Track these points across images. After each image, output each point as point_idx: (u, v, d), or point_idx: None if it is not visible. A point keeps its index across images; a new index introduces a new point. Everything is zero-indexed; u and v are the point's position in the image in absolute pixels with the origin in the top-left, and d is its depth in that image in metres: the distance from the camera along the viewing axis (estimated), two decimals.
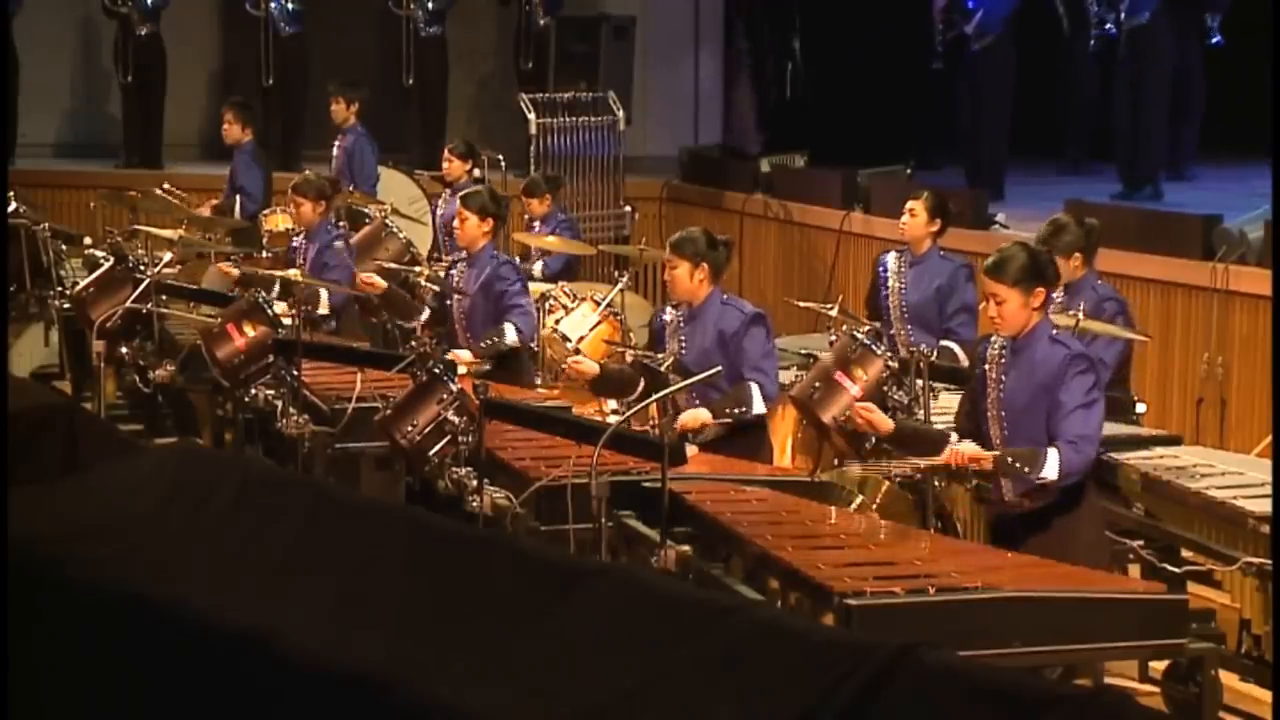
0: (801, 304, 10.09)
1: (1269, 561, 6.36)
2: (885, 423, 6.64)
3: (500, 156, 14.54)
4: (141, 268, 9.55)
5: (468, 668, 4.67)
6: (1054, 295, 7.69)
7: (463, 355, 8.94)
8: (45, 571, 5.58)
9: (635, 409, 6.97)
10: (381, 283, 9.78)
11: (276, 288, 10.08)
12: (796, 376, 8.21)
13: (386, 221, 11.82)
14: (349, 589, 5.19)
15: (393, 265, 11.00)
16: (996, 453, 6.39)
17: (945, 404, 7.75)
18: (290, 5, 16.12)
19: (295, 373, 8.01)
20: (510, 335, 8.98)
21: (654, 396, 7.23)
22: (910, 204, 9.17)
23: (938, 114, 14.97)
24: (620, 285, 10.96)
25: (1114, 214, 9.68)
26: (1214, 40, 13.30)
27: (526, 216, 12.49)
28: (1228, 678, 6.50)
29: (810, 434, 8.11)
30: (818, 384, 7.40)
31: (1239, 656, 6.76)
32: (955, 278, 8.99)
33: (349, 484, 7.83)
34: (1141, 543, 6.96)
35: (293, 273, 9.50)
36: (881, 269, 9.28)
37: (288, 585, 5.30)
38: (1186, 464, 7.11)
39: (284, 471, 7.63)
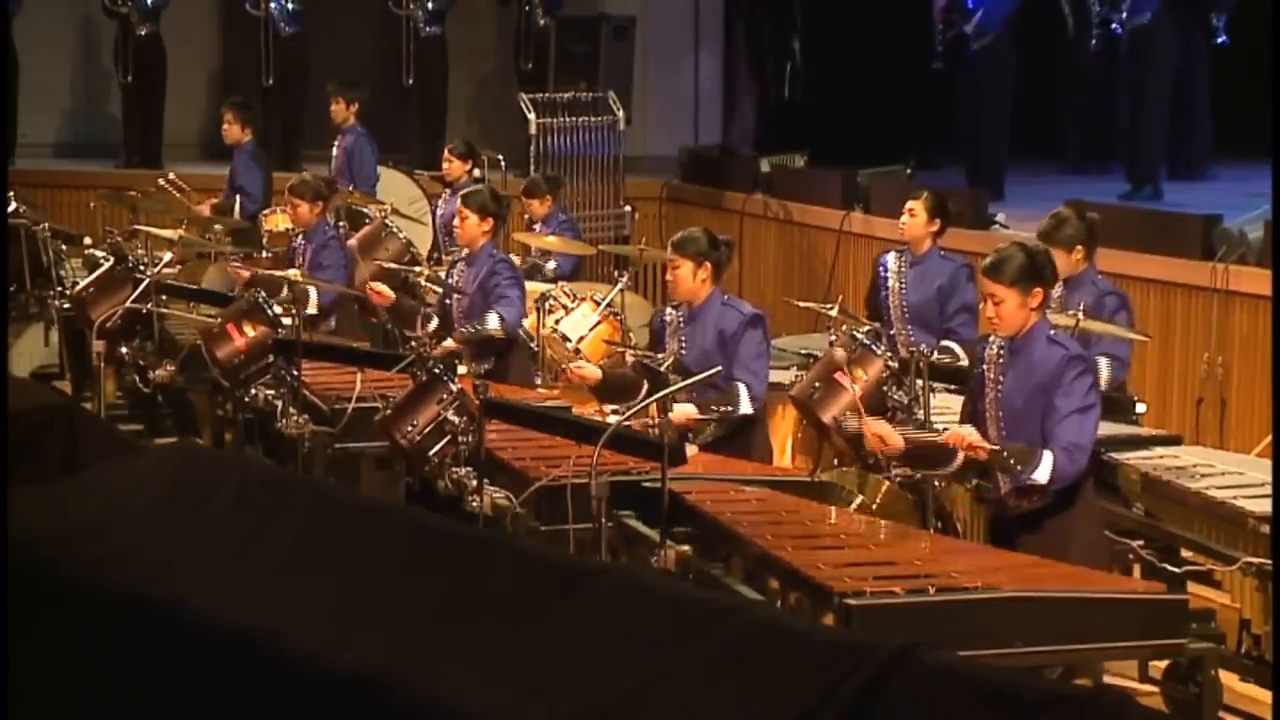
0: (801, 304, 10.09)
1: (1269, 561, 6.36)
2: (896, 441, 6.60)
3: (500, 156, 14.54)
4: (141, 268, 9.55)
5: (468, 668, 4.67)
6: (1054, 291, 7.71)
7: (446, 343, 8.95)
8: (45, 571, 5.58)
9: (635, 409, 6.96)
10: (390, 294, 9.77)
11: (285, 290, 10.08)
12: (796, 376, 8.21)
13: (386, 221, 11.82)
14: (349, 589, 5.19)
15: (393, 265, 11.00)
16: (994, 446, 6.38)
17: (944, 404, 7.76)
18: (290, 5, 16.12)
19: (295, 373, 8.01)
20: (492, 322, 9.01)
21: (654, 396, 7.23)
22: (910, 204, 9.17)
23: (938, 114, 14.98)
24: (620, 285, 10.95)
25: (1114, 214, 9.67)
26: (1220, 40, 13.30)
27: (527, 217, 12.49)
28: (1228, 678, 6.50)
29: (810, 434, 8.12)
30: (818, 384, 7.40)
31: (1239, 656, 6.75)
32: (956, 278, 8.99)
33: (349, 484, 7.83)
34: (1141, 543, 6.95)
35: (293, 273, 9.50)
36: (882, 269, 9.27)
37: (288, 585, 5.30)
38: (1186, 464, 7.11)
39: (284, 471, 7.62)
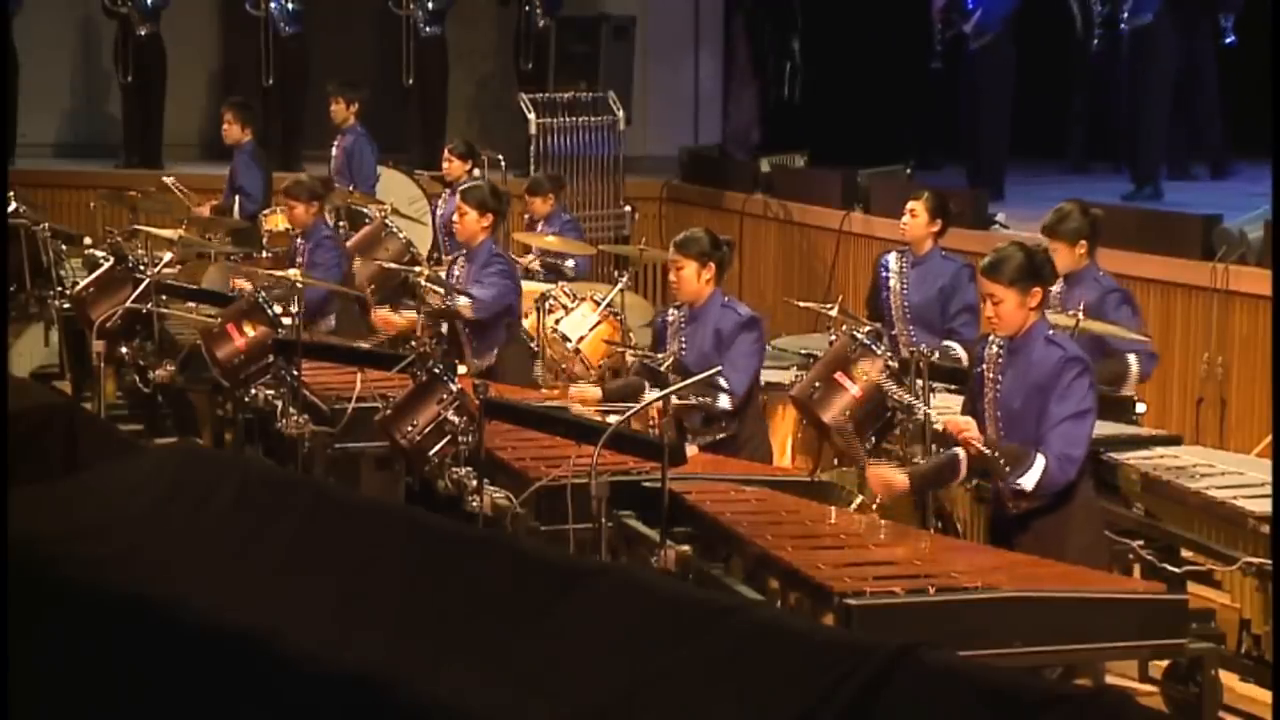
0: (801, 304, 10.08)
1: (1269, 561, 6.36)
2: (901, 482, 6.58)
3: (500, 156, 14.55)
4: (141, 268, 9.55)
5: (468, 668, 4.67)
6: (1054, 287, 7.71)
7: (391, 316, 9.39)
8: (45, 571, 5.58)
9: (635, 409, 6.96)
10: (399, 320, 9.75)
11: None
12: (796, 376, 8.21)
13: (386, 221, 11.82)
14: (349, 589, 5.19)
15: (393, 265, 11.00)
16: (986, 445, 6.37)
17: (945, 404, 7.76)
18: (290, 5, 16.12)
19: (295, 373, 8.01)
20: (461, 300, 9.01)
21: (654, 397, 7.23)
22: (911, 204, 9.17)
23: (938, 114, 14.98)
24: (620, 285, 10.95)
25: (1114, 214, 9.68)
26: (1227, 40, 13.31)
27: (527, 217, 12.49)
28: (1228, 678, 6.50)
29: (810, 434, 8.11)
30: (818, 384, 7.39)
31: (1239, 656, 6.75)
32: (958, 278, 8.98)
33: (349, 484, 7.83)
34: (1141, 543, 6.95)
35: (292, 273, 9.49)
36: (883, 270, 9.27)
37: (288, 585, 5.30)
38: (1186, 464, 7.11)
39: (284, 471, 7.63)
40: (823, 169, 14.13)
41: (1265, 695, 6.60)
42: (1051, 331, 6.46)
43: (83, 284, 9.98)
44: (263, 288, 9.27)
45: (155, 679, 5.13)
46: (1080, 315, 7.74)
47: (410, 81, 16.03)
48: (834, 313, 8.86)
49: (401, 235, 11.71)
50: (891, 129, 15.16)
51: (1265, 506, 6.47)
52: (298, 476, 7.42)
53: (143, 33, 16.12)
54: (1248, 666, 6.74)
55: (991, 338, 6.55)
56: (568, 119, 14.95)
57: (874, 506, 6.75)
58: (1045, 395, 6.27)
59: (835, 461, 7.68)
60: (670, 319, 7.94)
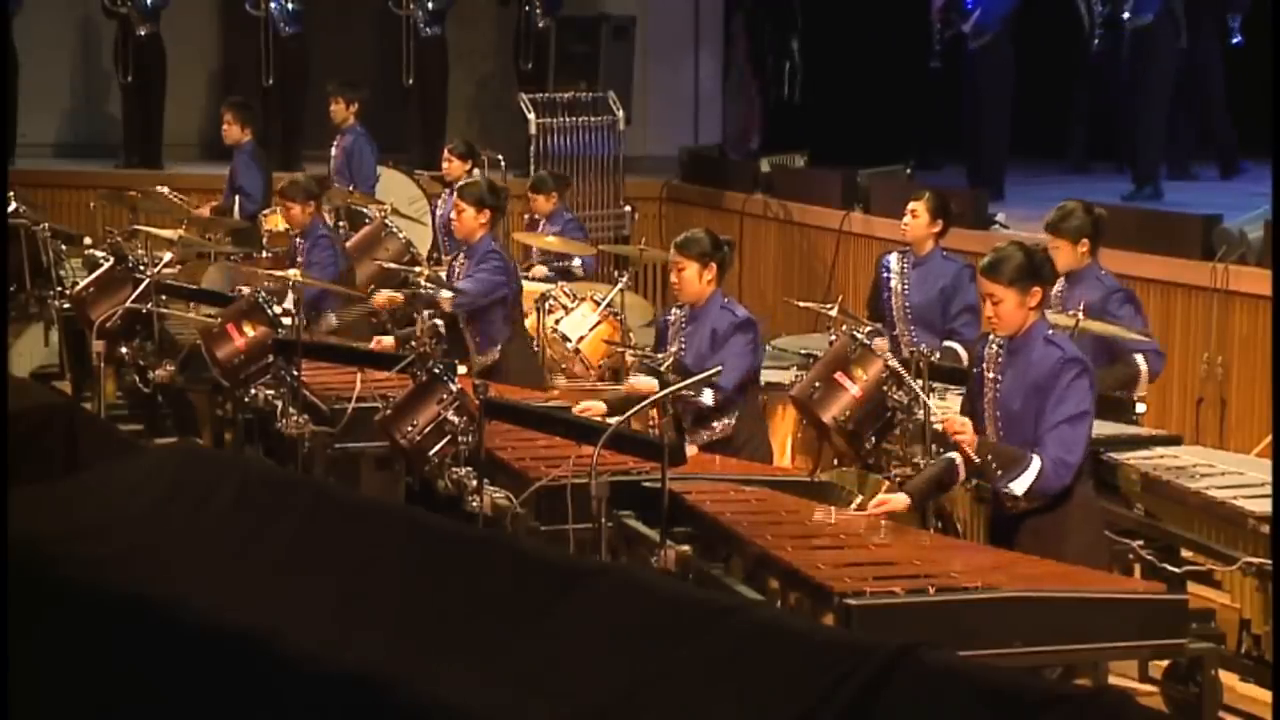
0: (801, 304, 10.08)
1: (1269, 561, 6.36)
2: (901, 502, 6.58)
3: (500, 156, 14.55)
4: (141, 268, 9.55)
5: (468, 668, 4.67)
6: (1055, 285, 7.71)
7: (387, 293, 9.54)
8: (45, 571, 5.58)
9: (635, 409, 6.96)
10: (398, 297, 9.80)
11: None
12: (796, 376, 8.21)
13: (386, 221, 11.82)
14: (349, 589, 5.19)
15: (393, 265, 11.01)
16: (978, 449, 6.35)
17: (945, 404, 7.76)
18: (290, 5, 16.11)
19: (295, 373, 8.01)
20: (444, 292, 9.02)
21: (654, 396, 7.23)
22: (912, 205, 9.16)
23: (938, 114, 14.98)
24: (620, 285, 10.96)
25: (1114, 214, 9.66)
26: (1235, 40, 13.31)
27: (527, 217, 12.49)
28: (1228, 678, 6.50)
29: (810, 434, 8.11)
30: (818, 384, 7.39)
31: (1239, 656, 6.75)
32: (959, 278, 8.97)
33: (349, 484, 7.83)
34: (1141, 543, 6.95)
35: (292, 273, 9.50)
36: (884, 270, 9.26)
37: (288, 585, 5.31)
38: (1186, 464, 7.10)
39: (284, 471, 7.63)
40: (823, 169, 14.13)
41: (1265, 695, 6.60)
42: (1051, 331, 6.45)
43: (83, 284, 9.98)
44: (263, 288, 9.27)
45: (155, 679, 5.13)
46: (1080, 315, 7.73)
47: (410, 81, 16.03)
48: (834, 313, 8.86)
49: (401, 235, 11.72)
50: (891, 129, 15.15)
51: (1265, 506, 6.46)
52: (298, 476, 7.42)
53: (143, 33, 16.11)
54: (1248, 666, 6.74)
55: (991, 337, 6.54)
56: (568, 119, 14.96)
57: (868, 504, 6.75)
58: (1043, 396, 6.26)
59: (835, 461, 7.68)
60: (672, 319, 7.95)
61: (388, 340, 9.28)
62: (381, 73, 16.35)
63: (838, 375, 7.32)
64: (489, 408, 6.82)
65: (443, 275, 9.75)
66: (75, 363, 10.83)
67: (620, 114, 15.10)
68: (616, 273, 11.73)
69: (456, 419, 7.03)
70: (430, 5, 15.92)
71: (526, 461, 6.95)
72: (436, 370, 7.21)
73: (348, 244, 11.33)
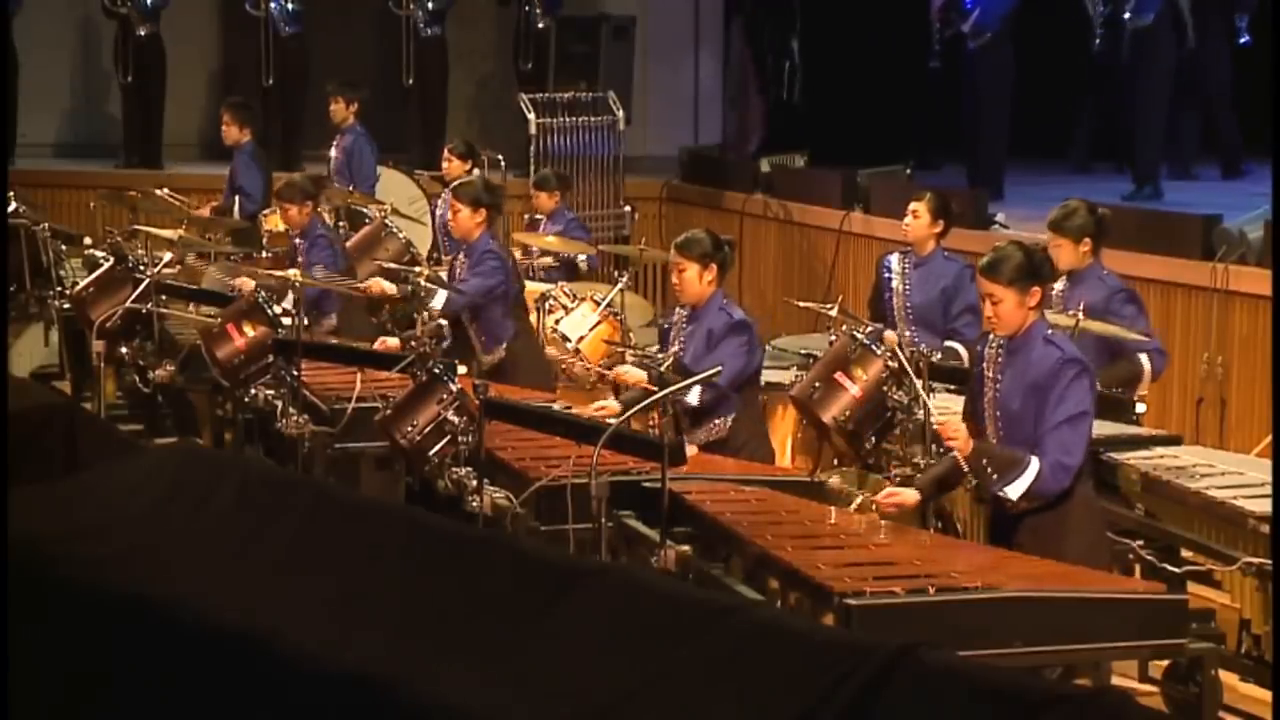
0: (801, 304, 10.08)
1: (1269, 561, 6.36)
2: (911, 497, 6.58)
3: (500, 156, 14.55)
4: (141, 268, 9.54)
5: (468, 668, 4.67)
6: (1056, 285, 7.71)
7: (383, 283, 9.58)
8: (45, 571, 5.58)
9: (635, 409, 6.96)
10: (391, 289, 9.81)
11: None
12: (796, 376, 8.21)
13: (386, 221, 11.82)
14: (349, 589, 5.19)
15: (393, 265, 11.00)
16: (972, 452, 6.35)
17: (944, 404, 7.76)
18: (290, 5, 16.11)
19: (295, 373, 8.01)
20: (437, 300, 9.02)
21: (654, 396, 7.22)
22: (913, 205, 9.16)
23: (937, 114, 14.98)
24: (620, 285, 10.96)
25: (1114, 214, 9.67)
26: (1242, 40, 13.31)
27: (527, 218, 12.48)
28: (1228, 678, 6.50)
29: (810, 434, 8.11)
30: (818, 384, 7.39)
31: (1239, 656, 6.75)
32: (960, 279, 8.97)
33: (349, 484, 7.82)
34: (1141, 543, 6.95)
35: (292, 273, 9.49)
36: (885, 271, 9.26)
37: (288, 585, 5.30)
38: (1186, 464, 7.10)
39: (284, 471, 7.63)
40: (823, 169, 14.13)
41: (1265, 695, 6.60)
42: (1050, 331, 6.44)
43: (83, 284, 9.98)
44: (263, 288, 9.27)
45: (155, 679, 5.13)
46: (1080, 315, 7.73)
47: (410, 81, 16.03)
48: (834, 313, 8.85)
49: (401, 235, 11.72)
50: (891, 129, 15.15)
51: (1265, 506, 6.46)
52: (298, 476, 7.42)
53: (143, 33, 16.11)
54: (1248, 666, 6.74)
55: (991, 337, 6.54)
56: (568, 119, 14.96)
57: (874, 507, 6.75)
58: (1042, 396, 6.25)
59: (835, 461, 7.68)
60: (675, 319, 7.94)
61: (393, 341, 9.27)
62: (381, 73, 16.35)
63: (838, 375, 7.32)
64: (489, 408, 6.82)
65: (443, 275, 9.75)
66: (75, 363, 10.83)
67: (620, 114, 15.10)
68: (616, 273, 11.73)
69: (456, 419, 7.03)
70: (430, 5, 15.92)
71: (526, 461, 6.95)
72: (436, 370, 7.21)
73: (348, 244, 11.33)
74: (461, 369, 8.50)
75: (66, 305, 10.47)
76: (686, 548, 6.13)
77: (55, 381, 10.96)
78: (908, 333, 8.99)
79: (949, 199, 9.31)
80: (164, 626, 5.20)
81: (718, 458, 7.41)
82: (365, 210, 12.52)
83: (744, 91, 15.68)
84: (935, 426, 6.59)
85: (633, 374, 7.93)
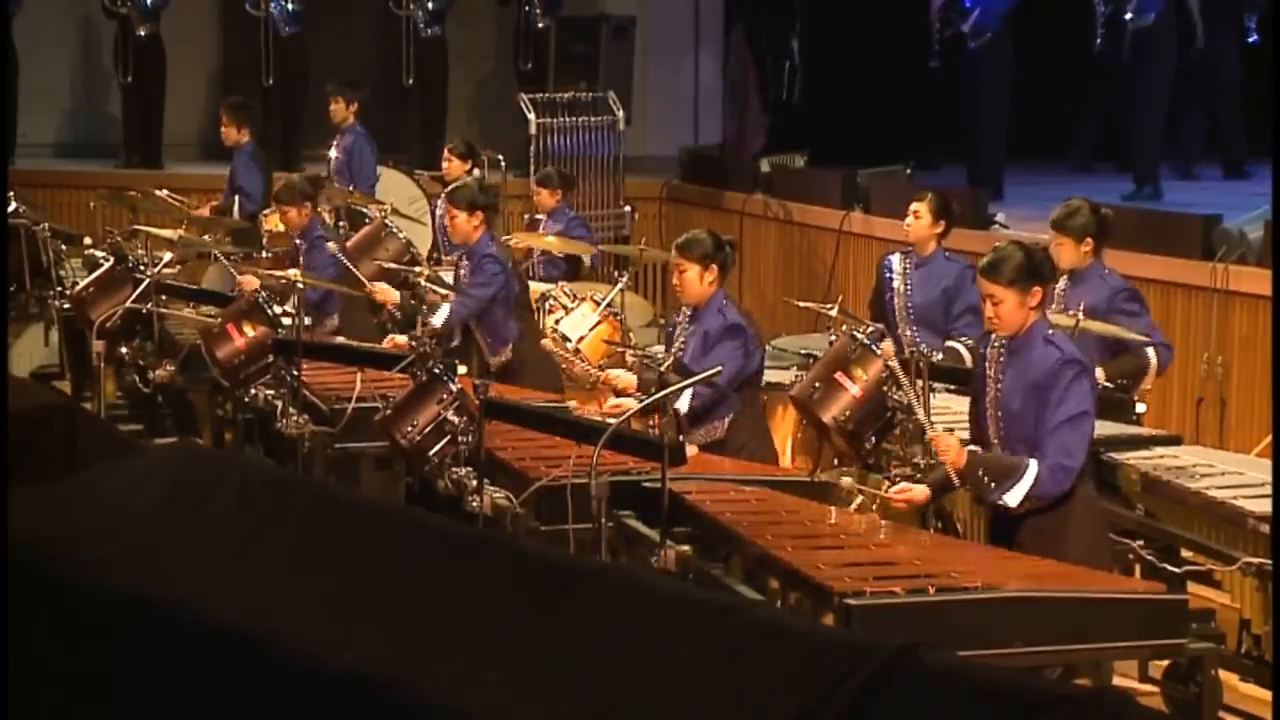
0: (801, 304, 10.08)
1: (1269, 561, 6.36)
2: (922, 493, 6.57)
3: (500, 156, 14.55)
4: (141, 268, 9.54)
5: (468, 668, 4.67)
6: (1059, 285, 7.70)
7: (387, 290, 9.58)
8: (45, 571, 5.58)
9: (635, 409, 6.96)
10: (393, 296, 9.82)
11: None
12: (796, 376, 8.21)
13: (386, 221, 11.81)
14: (349, 589, 5.19)
15: (393, 265, 11.00)
16: (972, 453, 6.34)
17: (944, 404, 7.76)
18: (290, 5, 16.12)
19: (295, 373, 8.01)
20: (438, 318, 8.96)
21: (654, 396, 7.22)
22: (914, 206, 9.16)
23: (938, 114, 14.98)
24: (620, 285, 10.95)
25: (1114, 214, 9.67)
26: (1251, 40, 13.31)
27: (527, 217, 12.48)
28: (1228, 678, 6.50)
29: (810, 434, 8.11)
30: (818, 384, 7.39)
31: (1239, 656, 6.75)
32: (962, 279, 8.97)
33: (349, 484, 7.82)
34: (1141, 543, 6.95)
35: (293, 272, 9.50)
36: (886, 271, 9.26)
37: (288, 585, 5.30)
38: (1186, 464, 7.10)
39: (284, 471, 7.63)
40: (823, 169, 14.13)
41: (1265, 695, 6.60)
42: (1051, 332, 6.44)
43: (83, 284, 9.97)
44: (264, 288, 9.27)
45: (155, 679, 5.13)
46: (1080, 315, 7.73)
47: (410, 81, 16.03)
48: (834, 313, 8.85)
49: (401, 235, 11.71)
50: (891, 129, 15.15)
51: (1265, 506, 6.46)
52: (298, 476, 7.42)
53: (143, 33, 16.11)
54: (1248, 666, 6.74)
55: (993, 337, 6.53)
56: (568, 119, 14.96)
57: (874, 507, 6.75)
58: (1043, 396, 6.25)
59: (835, 461, 7.68)
60: (680, 319, 7.92)
61: (401, 338, 9.29)
62: (381, 73, 16.35)
63: (838, 375, 7.32)
64: (489, 408, 6.82)
65: (443, 275, 9.74)
66: (75, 363, 10.83)
67: (620, 114, 15.10)
68: (616, 273, 11.73)
69: (456, 419, 7.02)
70: (430, 5, 15.92)
71: (526, 461, 6.95)
72: (436, 370, 7.21)
73: (348, 244, 11.32)
74: (462, 369, 8.51)
75: (66, 305, 10.46)
76: (686, 548, 6.13)
77: (55, 381, 10.96)
78: (909, 333, 8.99)
79: (950, 199, 9.31)
80: (164, 626, 5.20)
81: (717, 458, 7.41)
82: (365, 210, 12.51)
83: (744, 91, 15.67)
84: (928, 439, 6.58)
85: (623, 378, 7.91)
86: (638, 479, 6.55)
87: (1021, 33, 13.84)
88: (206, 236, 12.27)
